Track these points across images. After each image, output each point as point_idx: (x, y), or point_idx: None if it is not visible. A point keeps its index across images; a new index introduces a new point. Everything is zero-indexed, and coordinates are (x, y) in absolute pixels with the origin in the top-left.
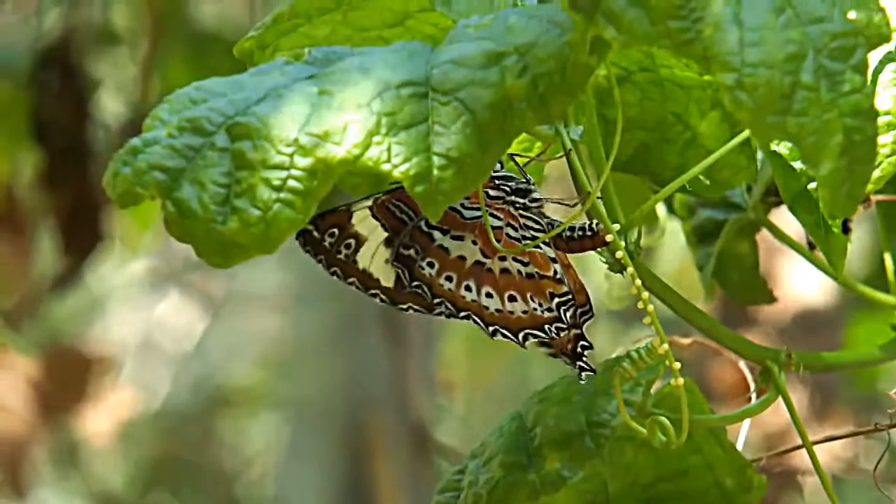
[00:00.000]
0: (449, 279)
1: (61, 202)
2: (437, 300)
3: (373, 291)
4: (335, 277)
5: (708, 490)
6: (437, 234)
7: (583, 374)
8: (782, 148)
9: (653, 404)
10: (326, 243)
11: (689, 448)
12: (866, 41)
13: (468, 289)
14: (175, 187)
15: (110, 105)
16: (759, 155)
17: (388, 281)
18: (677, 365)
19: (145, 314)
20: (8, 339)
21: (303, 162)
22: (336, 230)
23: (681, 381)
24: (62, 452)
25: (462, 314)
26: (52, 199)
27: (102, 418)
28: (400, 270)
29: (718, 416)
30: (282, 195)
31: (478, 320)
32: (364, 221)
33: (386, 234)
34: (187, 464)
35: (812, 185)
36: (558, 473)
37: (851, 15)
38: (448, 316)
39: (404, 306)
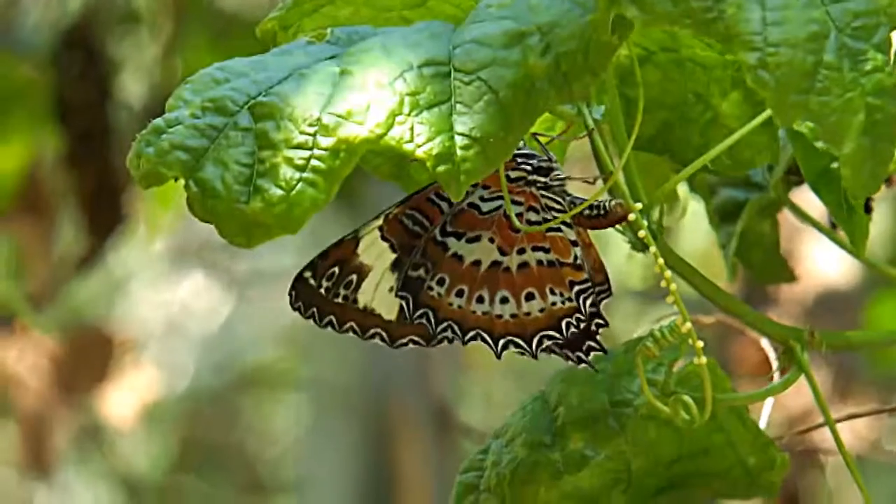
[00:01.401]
0: (460, 294)
1: (83, 183)
2: (442, 325)
3: (372, 332)
4: (329, 328)
5: (731, 468)
6: (451, 241)
7: (591, 353)
8: (804, 127)
9: (675, 383)
10: (322, 289)
11: (712, 427)
12: (888, 20)
13: (480, 300)
14: (198, 167)
15: (132, 86)
16: (781, 134)
17: (390, 314)
18: (700, 344)
19: (169, 295)
20: (31, 321)
21: (325, 141)
22: (337, 268)
23: (704, 360)
24: (86, 434)
25: (469, 335)
26: (75, 181)
27: (126, 399)
28: (405, 300)
29: (741, 395)
30: (305, 175)
31: (486, 336)
32: (371, 248)
33: (394, 257)
34: (211, 445)
35: (834, 165)
36: (581, 453)
37: None
38: (450, 341)
39: (403, 340)
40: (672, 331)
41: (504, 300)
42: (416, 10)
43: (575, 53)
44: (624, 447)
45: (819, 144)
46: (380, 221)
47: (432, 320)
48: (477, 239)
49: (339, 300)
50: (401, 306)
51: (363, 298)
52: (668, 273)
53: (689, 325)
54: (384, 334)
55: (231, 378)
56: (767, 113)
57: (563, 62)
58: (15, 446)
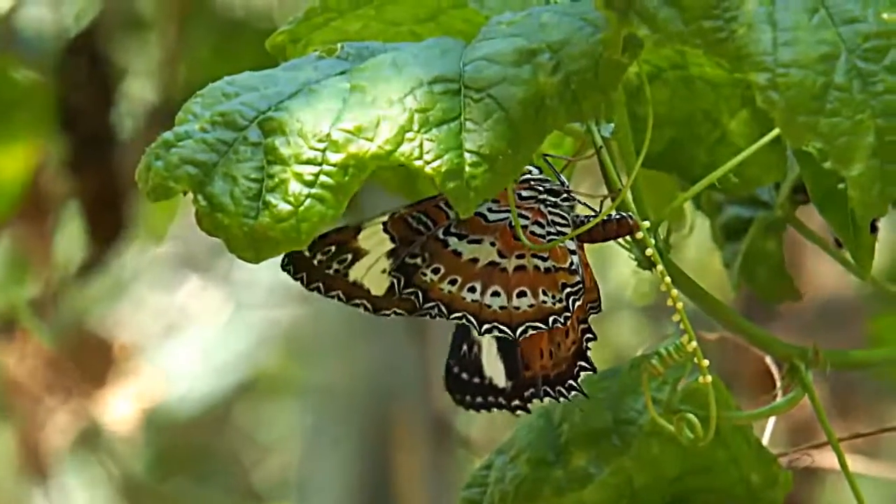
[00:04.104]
0: (452, 283)
1: (87, 189)
2: (429, 304)
3: (357, 301)
4: (315, 292)
5: (734, 485)
6: (452, 240)
7: (582, 373)
8: (811, 147)
9: (679, 401)
10: (315, 261)
11: (715, 443)
12: None
13: (472, 290)
14: (207, 182)
15: (137, 92)
16: (789, 153)
17: (378, 290)
18: (706, 362)
19: (169, 301)
20: (32, 325)
21: (335, 157)
22: (334, 248)
23: (709, 378)
24: (84, 438)
25: (454, 315)
26: (78, 186)
27: (125, 404)
28: (396, 279)
29: (745, 414)
30: (313, 190)
31: (472, 319)
32: (371, 237)
33: (392, 246)
34: (209, 451)
35: (841, 185)
36: (585, 470)
37: (885, 16)
38: (434, 317)
39: (387, 312)
40: (678, 349)
41: (495, 294)
42: (426, 25)
43: (585, 72)
44: (627, 464)
45: (826, 165)
46: (385, 218)
47: (420, 299)
48: (478, 241)
49: (331, 272)
50: (390, 284)
51: (354, 274)
52: (675, 291)
53: (694, 343)
54: (368, 305)
55: (230, 384)
56: (775, 132)
57: (573, 80)
58: (13, 450)
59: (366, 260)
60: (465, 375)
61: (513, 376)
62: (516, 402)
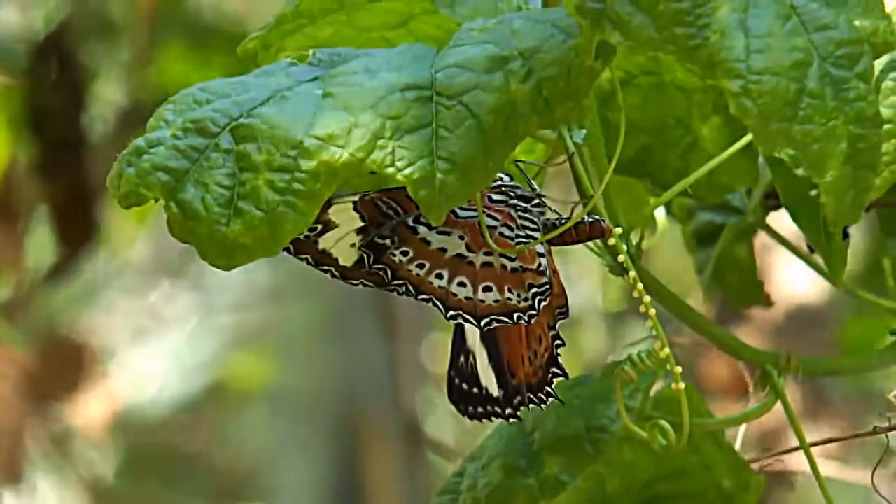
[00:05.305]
0: (420, 266)
1: (56, 192)
2: (397, 282)
3: (325, 268)
4: (286, 253)
5: (706, 490)
6: (422, 229)
7: (555, 380)
8: (783, 154)
9: (652, 407)
10: None
11: (688, 448)
12: (872, 49)
13: (439, 276)
14: (179, 188)
15: (107, 95)
16: (760, 159)
17: (347, 261)
18: (679, 369)
19: (139, 304)
20: (3, 328)
21: (307, 164)
22: None
23: (682, 384)
24: (55, 441)
25: (422, 297)
26: (48, 190)
27: (95, 407)
28: (366, 255)
29: (718, 420)
30: (286, 197)
31: (438, 304)
32: (341, 213)
33: (362, 224)
34: (179, 454)
35: (813, 192)
36: (557, 478)
37: (857, 23)
38: (402, 294)
39: (355, 282)
40: (650, 355)
41: (462, 284)
42: (398, 31)
43: (557, 79)
44: (599, 470)
45: (799, 171)
46: (355, 198)
47: (389, 276)
48: (448, 233)
49: (301, 236)
50: (359, 257)
51: (324, 243)
52: (647, 298)
53: (666, 349)
54: (337, 273)
55: (200, 387)
56: (747, 138)
57: (545, 87)
58: None
59: (336, 232)
60: (465, 386)
61: (503, 385)
62: (509, 411)
